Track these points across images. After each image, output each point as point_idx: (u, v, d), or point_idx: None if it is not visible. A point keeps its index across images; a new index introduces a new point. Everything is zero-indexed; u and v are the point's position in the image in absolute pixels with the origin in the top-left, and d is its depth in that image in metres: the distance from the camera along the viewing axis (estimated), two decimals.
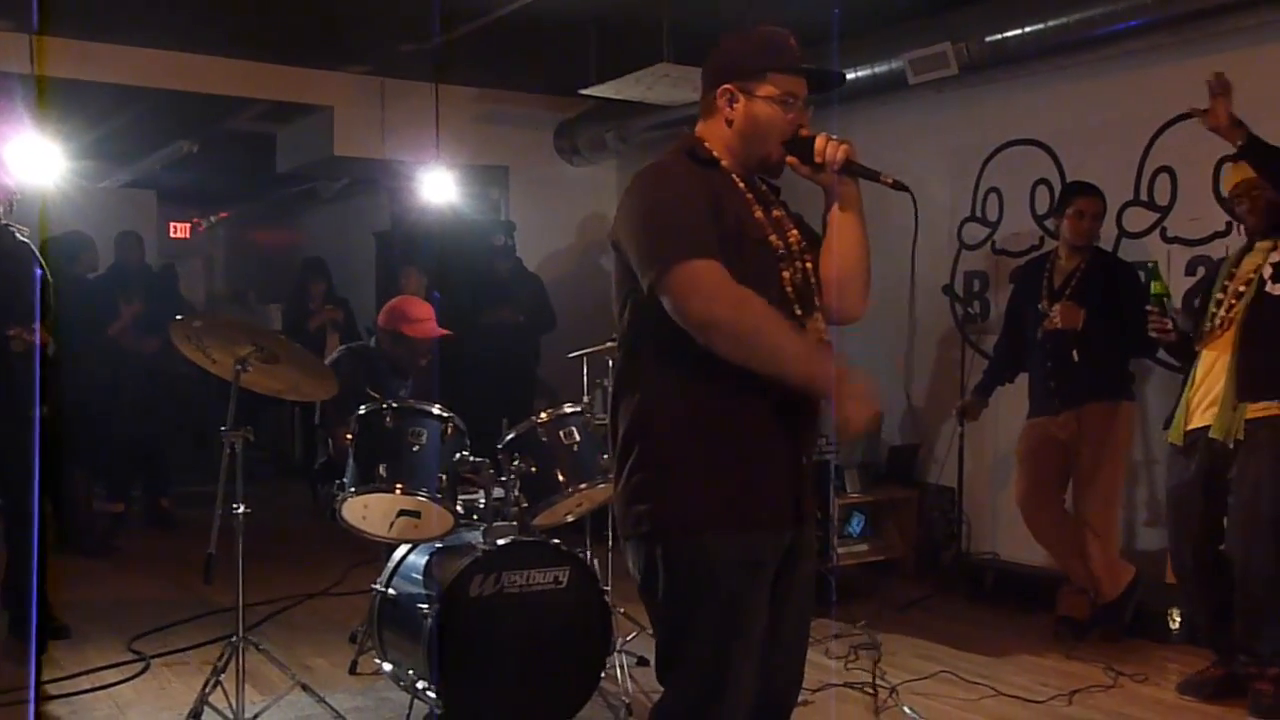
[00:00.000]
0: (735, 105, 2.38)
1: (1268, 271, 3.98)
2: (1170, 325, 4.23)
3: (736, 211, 2.33)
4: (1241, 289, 4.06)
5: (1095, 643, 4.85)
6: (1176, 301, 4.83)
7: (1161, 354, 5.07)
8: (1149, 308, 4.25)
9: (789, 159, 2.41)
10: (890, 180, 2.40)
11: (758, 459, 2.30)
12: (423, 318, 4.77)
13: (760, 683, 2.37)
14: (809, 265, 2.42)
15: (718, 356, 2.20)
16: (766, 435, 2.30)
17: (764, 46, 2.40)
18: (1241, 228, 4.35)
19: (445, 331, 4.87)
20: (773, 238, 2.36)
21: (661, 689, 2.39)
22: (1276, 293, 3.97)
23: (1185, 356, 4.30)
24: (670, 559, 2.30)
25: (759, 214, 2.37)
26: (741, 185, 2.40)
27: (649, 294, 2.24)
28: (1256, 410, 3.97)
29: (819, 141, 2.36)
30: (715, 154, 2.40)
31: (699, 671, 2.30)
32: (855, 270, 2.44)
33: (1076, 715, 4.11)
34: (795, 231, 2.43)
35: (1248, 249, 4.18)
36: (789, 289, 2.35)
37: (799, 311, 2.35)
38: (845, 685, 4.38)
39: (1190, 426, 4.19)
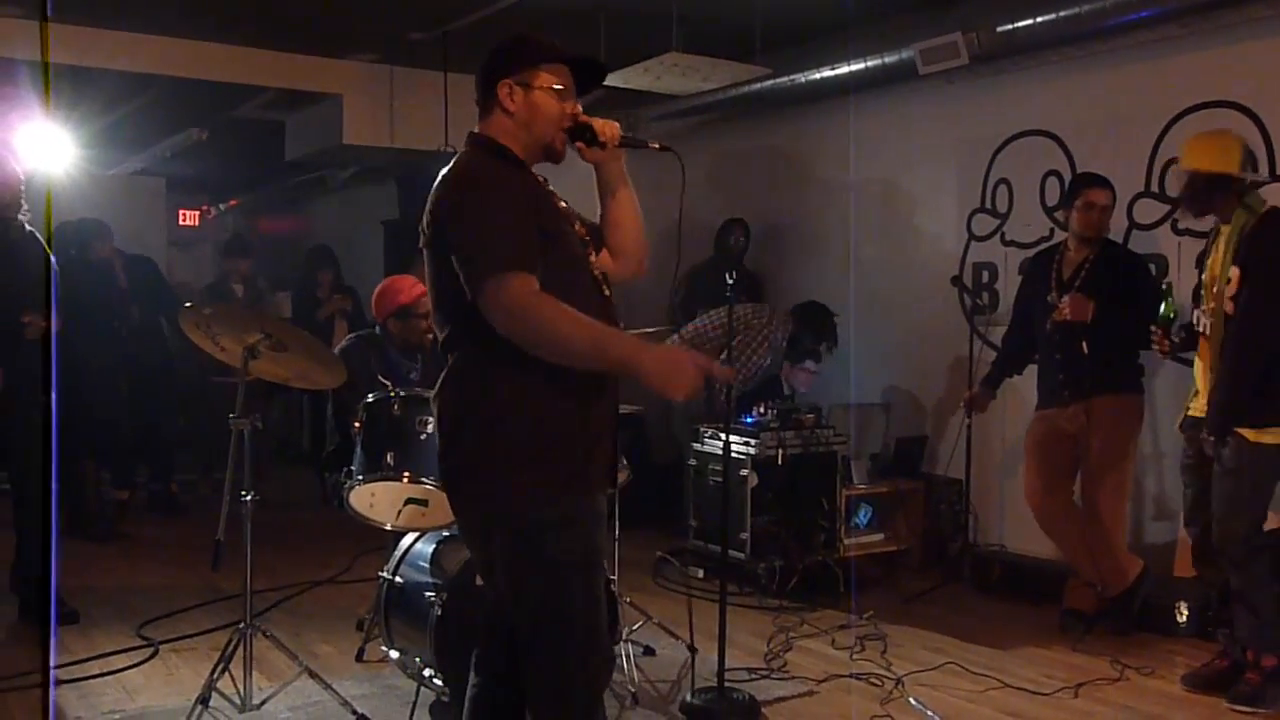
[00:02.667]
0: (515, 98, 2.55)
1: (1230, 289, 3.99)
2: (1169, 347, 4.32)
3: (547, 206, 2.54)
4: (1216, 289, 4.09)
5: (1102, 635, 4.85)
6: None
7: None
8: (1154, 328, 4.32)
9: (578, 145, 2.62)
10: (657, 145, 2.77)
11: (592, 427, 2.48)
12: (410, 286, 4.78)
13: None
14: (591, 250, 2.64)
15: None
16: (596, 388, 2.47)
17: (532, 43, 2.60)
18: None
19: None
20: (577, 226, 2.61)
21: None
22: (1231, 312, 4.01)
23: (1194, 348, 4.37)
24: (508, 537, 2.46)
25: (561, 205, 2.60)
26: (541, 179, 2.60)
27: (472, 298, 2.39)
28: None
29: (597, 124, 2.61)
30: (514, 151, 2.57)
31: (577, 628, 2.47)
32: (640, 236, 2.74)
33: (1083, 708, 4.11)
34: (578, 223, 2.64)
35: (1215, 234, 4.20)
36: (596, 272, 2.59)
37: (607, 292, 2.59)
38: (851, 676, 4.38)
39: (1189, 414, 4.28)
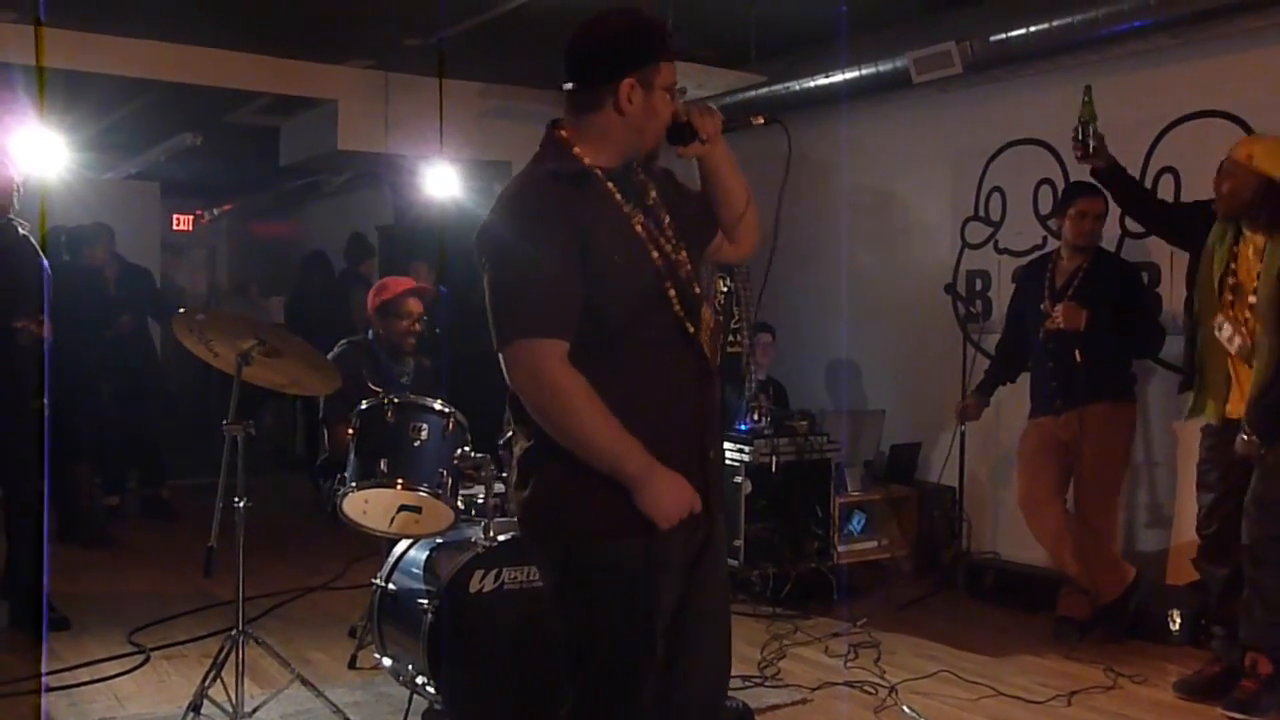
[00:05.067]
0: (634, 99, 2.24)
1: None
2: (1083, 152, 4.36)
3: (611, 234, 2.24)
4: (1252, 299, 4.01)
5: (1095, 643, 4.85)
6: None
7: (1164, 354, 5.09)
8: (1074, 132, 4.35)
9: (678, 150, 2.34)
10: (762, 119, 2.50)
11: (663, 461, 2.24)
12: (396, 284, 4.80)
13: (675, 685, 2.35)
14: (684, 255, 2.34)
15: (616, 372, 2.22)
16: (670, 437, 2.26)
17: (655, 33, 2.28)
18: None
19: (425, 285, 4.94)
20: (654, 253, 2.27)
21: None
22: None
23: (1117, 189, 4.48)
24: (579, 564, 2.30)
25: (639, 226, 2.28)
26: (618, 196, 2.29)
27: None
28: None
29: (695, 120, 2.31)
30: (587, 160, 2.27)
31: (610, 671, 2.31)
32: (752, 217, 2.48)
33: (1076, 716, 4.11)
34: (668, 219, 2.34)
35: (1237, 233, 4.12)
36: (676, 307, 2.27)
37: (690, 329, 2.29)
38: (845, 684, 4.38)
39: (1229, 417, 4.16)
